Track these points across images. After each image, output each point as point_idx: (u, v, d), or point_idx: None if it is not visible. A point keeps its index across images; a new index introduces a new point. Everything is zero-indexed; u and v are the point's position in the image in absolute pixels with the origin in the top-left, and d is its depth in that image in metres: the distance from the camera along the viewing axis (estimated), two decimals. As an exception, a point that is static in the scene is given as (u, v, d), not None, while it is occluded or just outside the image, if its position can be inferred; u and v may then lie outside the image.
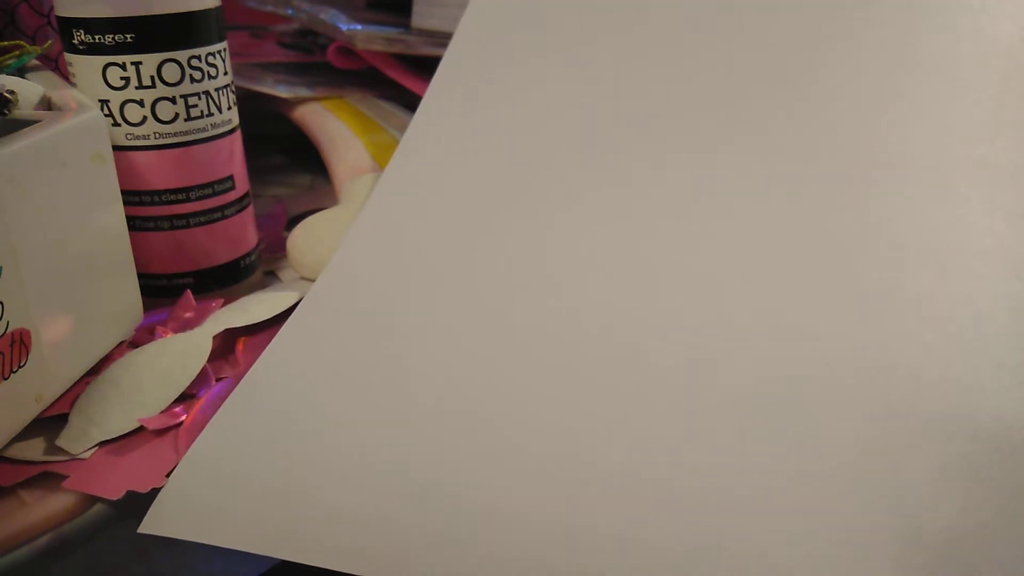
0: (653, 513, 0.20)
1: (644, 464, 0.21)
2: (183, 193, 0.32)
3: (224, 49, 0.32)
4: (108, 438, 0.25)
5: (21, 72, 0.30)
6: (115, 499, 0.22)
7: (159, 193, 0.32)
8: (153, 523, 0.22)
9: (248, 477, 0.23)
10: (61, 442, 0.24)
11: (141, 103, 0.31)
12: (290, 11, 0.47)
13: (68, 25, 0.30)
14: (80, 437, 0.25)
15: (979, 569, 0.18)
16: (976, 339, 0.22)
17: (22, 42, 0.29)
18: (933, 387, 0.22)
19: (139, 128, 0.31)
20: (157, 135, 0.31)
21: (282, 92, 0.43)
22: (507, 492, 0.21)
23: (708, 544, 0.19)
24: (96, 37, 0.30)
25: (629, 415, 0.23)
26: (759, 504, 0.20)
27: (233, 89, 0.33)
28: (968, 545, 0.18)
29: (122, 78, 0.30)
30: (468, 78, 0.36)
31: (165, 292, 0.32)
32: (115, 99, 0.30)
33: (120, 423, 0.25)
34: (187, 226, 0.32)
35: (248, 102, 0.40)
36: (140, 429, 0.25)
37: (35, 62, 0.32)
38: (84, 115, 0.25)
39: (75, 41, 0.30)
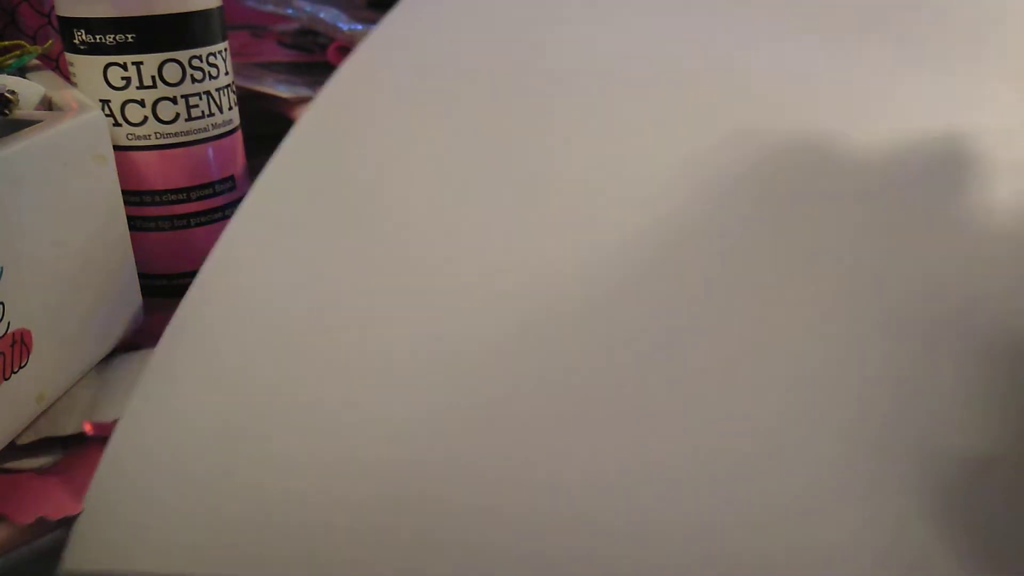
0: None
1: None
2: (184, 193, 0.32)
3: (225, 49, 0.32)
4: (61, 434, 0.24)
5: (22, 72, 0.30)
6: (24, 524, 0.19)
7: (160, 193, 0.32)
8: (74, 557, 0.19)
9: (162, 491, 0.21)
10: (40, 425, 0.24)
11: (142, 103, 0.31)
12: (290, 11, 0.47)
13: (69, 25, 0.30)
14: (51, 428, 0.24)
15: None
16: None
17: (23, 42, 0.29)
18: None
19: (140, 128, 0.31)
20: (158, 135, 0.31)
21: (283, 92, 0.43)
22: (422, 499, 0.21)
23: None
24: (97, 37, 0.30)
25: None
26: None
27: (234, 89, 0.33)
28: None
29: (123, 78, 0.30)
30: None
31: (166, 292, 0.32)
32: (116, 99, 0.30)
33: (76, 423, 0.24)
34: (188, 226, 0.32)
35: (248, 102, 0.40)
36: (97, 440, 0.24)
37: (36, 62, 0.32)
38: (85, 115, 0.25)
39: (76, 41, 0.30)
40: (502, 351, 0.23)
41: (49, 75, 0.31)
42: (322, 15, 0.46)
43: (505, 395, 0.22)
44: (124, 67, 0.30)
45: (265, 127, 0.39)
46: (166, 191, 0.32)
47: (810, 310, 0.22)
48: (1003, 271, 0.22)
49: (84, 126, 0.25)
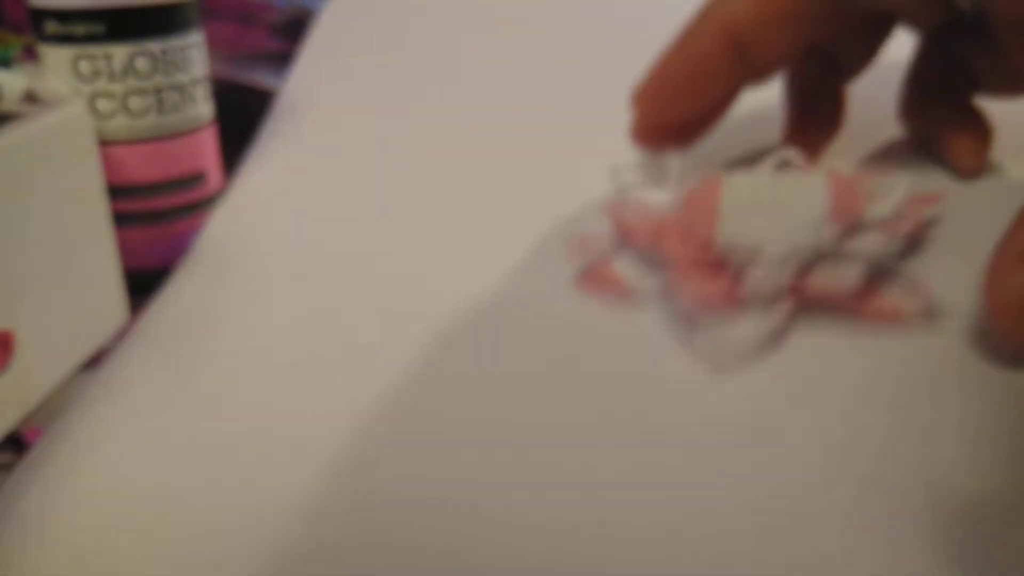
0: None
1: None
2: (156, 188, 0.31)
3: (200, 41, 0.32)
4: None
5: (5, 64, 0.29)
6: None
7: (132, 188, 0.31)
8: None
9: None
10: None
11: (113, 96, 0.30)
12: (281, 1, 0.46)
13: (39, 14, 0.29)
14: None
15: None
16: None
17: (7, 34, 0.28)
18: None
19: (111, 122, 0.30)
20: (129, 129, 0.30)
21: (270, 84, 0.43)
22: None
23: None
24: (67, 27, 0.29)
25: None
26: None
27: (209, 82, 0.33)
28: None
29: (93, 70, 0.29)
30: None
31: (139, 289, 0.32)
32: (86, 91, 0.30)
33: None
34: (160, 222, 0.32)
35: (235, 93, 0.40)
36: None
37: (19, 54, 0.31)
38: (68, 109, 0.25)
39: (46, 31, 0.29)
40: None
41: (33, 68, 0.30)
42: (312, 5, 0.45)
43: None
44: (94, 59, 0.29)
45: (251, 119, 0.39)
46: (138, 186, 0.31)
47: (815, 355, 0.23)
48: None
49: (67, 120, 0.24)
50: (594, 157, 0.29)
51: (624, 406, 0.22)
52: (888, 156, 0.29)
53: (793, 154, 0.25)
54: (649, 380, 0.22)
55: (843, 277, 0.22)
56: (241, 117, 0.38)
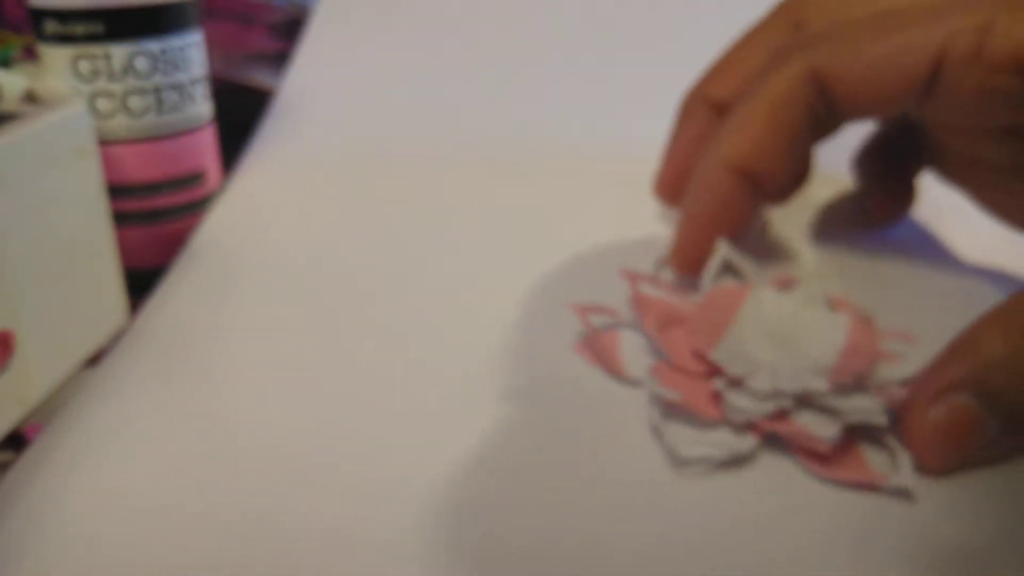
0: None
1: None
2: (156, 187, 0.31)
3: (200, 41, 0.32)
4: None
5: (5, 64, 0.29)
6: None
7: (130, 188, 0.31)
8: None
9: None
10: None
11: (112, 96, 0.30)
12: (281, 1, 0.46)
13: (39, 14, 0.29)
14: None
15: None
16: None
17: (7, 34, 0.28)
18: None
19: (110, 121, 0.30)
20: (129, 128, 0.30)
21: (269, 84, 0.43)
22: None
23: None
24: (66, 27, 0.29)
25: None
26: None
27: (208, 82, 0.33)
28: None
29: (93, 70, 0.29)
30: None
31: (138, 289, 0.32)
32: (86, 91, 0.30)
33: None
34: (159, 221, 0.32)
35: (234, 93, 0.40)
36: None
37: (19, 54, 0.31)
38: (68, 109, 0.25)
39: (45, 31, 0.29)
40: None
41: (33, 68, 0.30)
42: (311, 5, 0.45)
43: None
44: (94, 58, 0.29)
45: (250, 119, 0.39)
46: (138, 185, 0.31)
47: None
48: None
49: (67, 120, 0.24)
50: (596, 157, 0.29)
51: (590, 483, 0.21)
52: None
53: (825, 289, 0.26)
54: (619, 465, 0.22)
55: (822, 431, 0.21)
56: (240, 117, 0.38)
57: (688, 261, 0.27)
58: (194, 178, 0.32)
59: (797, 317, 0.24)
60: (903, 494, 0.20)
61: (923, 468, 0.21)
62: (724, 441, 0.22)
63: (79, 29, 0.29)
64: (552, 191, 0.23)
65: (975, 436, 0.20)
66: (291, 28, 0.44)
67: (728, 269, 0.26)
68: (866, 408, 0.21)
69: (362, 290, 0.29)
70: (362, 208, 0.33)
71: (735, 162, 0.25)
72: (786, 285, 0.26)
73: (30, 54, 0.31)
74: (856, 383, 0.22)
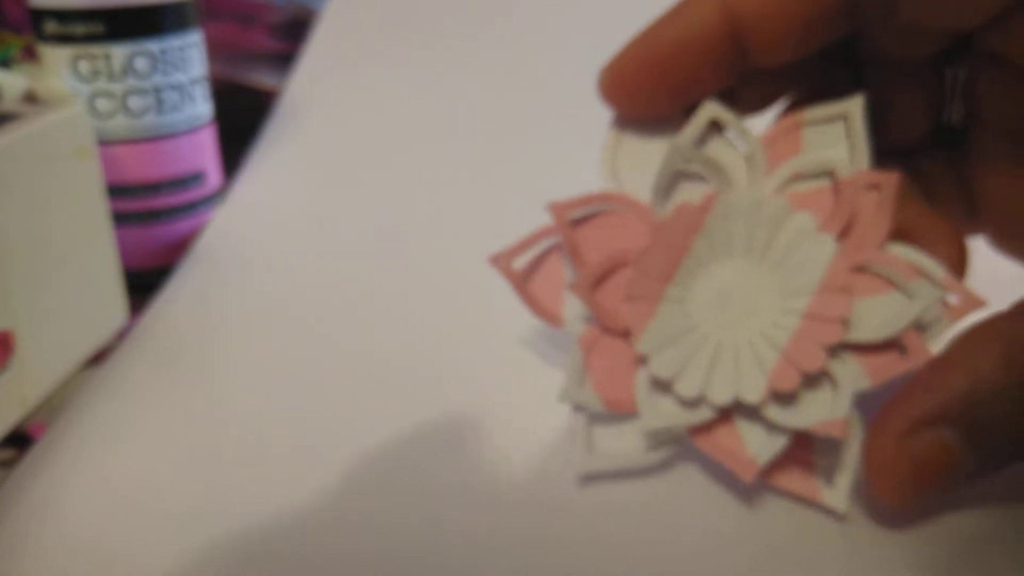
0: None
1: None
2: (155, 188, 0.31)
3: (200, 41, 0.32)
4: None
5: (5, 64, 0.29)
6: None
7: (131, 187, 0.31)
8: None
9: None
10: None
11: (112, 96, 0.30)
12: (281, 1, 0.46)
13: (38, 14, 0.29)
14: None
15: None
16: None
17: (7, 34, 0.28)
18: None
19: (110, 121, 0.30)
20: (129, 128, 0.30)
21: (270, 84, 0.43)
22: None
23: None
24: (66, 27, 0.29)
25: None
26: None
27: (208, 82, 0.33)
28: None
29: (92, 70, 0.29)
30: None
31: (138, 289, 0.32)
32: (85, 91, 0.30)
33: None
34: (159, 222, 0.32)
35: (235, 94, 0.40)
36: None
37: (19, 54, 0.31)
38: (68, 109, 0.25)
39: (45, 31, 0.29)
40: None
41: (33, 68, 0.30)
42: (312, 5, 0.45)
43: None
44: (93, 58, 0.29)
45: (251, 119, 0.39)
46: (137, 186, 0.31)
47: None
48: None
49: (67, 120, 0.24)
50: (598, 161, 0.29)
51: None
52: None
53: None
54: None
55: (755, 448, 0.19)
56: (241, 117, 0.38)
57: (621, 78, 0.21)
58: (194, 178, 0.32)
59: (774, 236, 0.20)
60: (834, 515, 0.19)
61: (879, 499, 0.19)
62: (635, 449, 0.20)
63: (79, 29, 0.29)
64: (556, 195, 0.23)
65: (951, 474, 0.18)
66: (291, 28, 0.44)
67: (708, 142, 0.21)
68: (816, 416, 0.19)
69: (364, 293, 0.29)
70: (365, 212, 0.34)
71: (735, 5, 0.20)
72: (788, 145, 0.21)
73: (30, 54, 0.31)
74: (808, 381, 0.19)
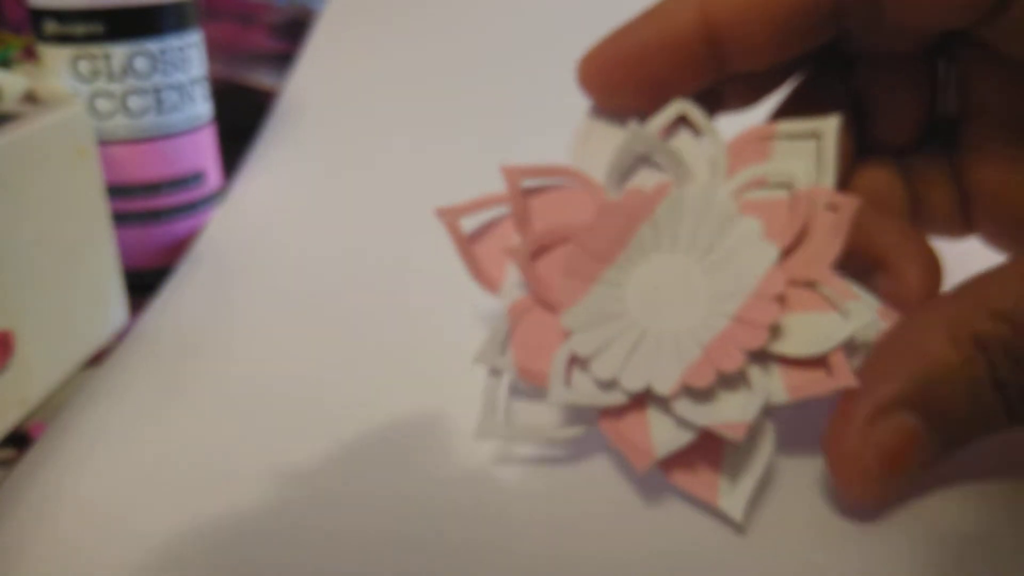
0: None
1: None
2: (155, 188, 0.31)
3: (199, 41, 0.32)
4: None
5: (5, 64, 0.29)
6: None
7: (131, 187, 0.31)
8: None
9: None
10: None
11: (112, 96, 0.30)
12: (281, 1, 0.46)
13: (39, 14, 0.29)
14: None
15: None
16: None
17: (7, 34, 0.28)
18: None
19: (110, 121, 0.30)
20: (128, 128, 0.30)
21: (269, 84, 0.43)
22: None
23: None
24: (66, 27, 0.29)
25: None
26: None
27: (207, 82, 0.33)
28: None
29: (92, 70, 0.29)
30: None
31: (138, 289, 0.32)
32: (85, 91, 0.30)
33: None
34: (159, 222, 0.32)
35: (234, 94, 0.40)
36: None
37: (19, 54, 0.31)
38: (67, 109, 0.25)
39: (45, 31, 0.29)
40: None
41: (33, 68, 0.30)
42: (312, 5, 0.45)
43: None
44: (93, 59, 0.29)
45: (251, 119, 0.39)
46: (137, 186, 0.31)
47: None
48: None
49: (66, 120, 0.24)
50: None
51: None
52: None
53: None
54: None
55: (660, 437, 0.19)
56: (241, 117, 0.38)
57: (597, 71, 0.21)
58: (194, 178, 0.32)
59: (718, 237, 0.20)
60: (731, 523, 0.19)
61: (856, 503, 0.19)
62: (548, 425, 0.20)
63: (79, 29, 0.29)
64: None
65: (916, 458, 0.18)
66: (291, 28, 0.44)
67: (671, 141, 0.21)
68: (723, 416, 0.19)
69: (364, 293, 0.29)
70: (364, 211, 0.33)
71: (712, 5, 0.20)
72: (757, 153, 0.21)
73: (30, 54, 0.31)
74: (724, 382, 0.19)
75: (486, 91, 0.39)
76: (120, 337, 0.27)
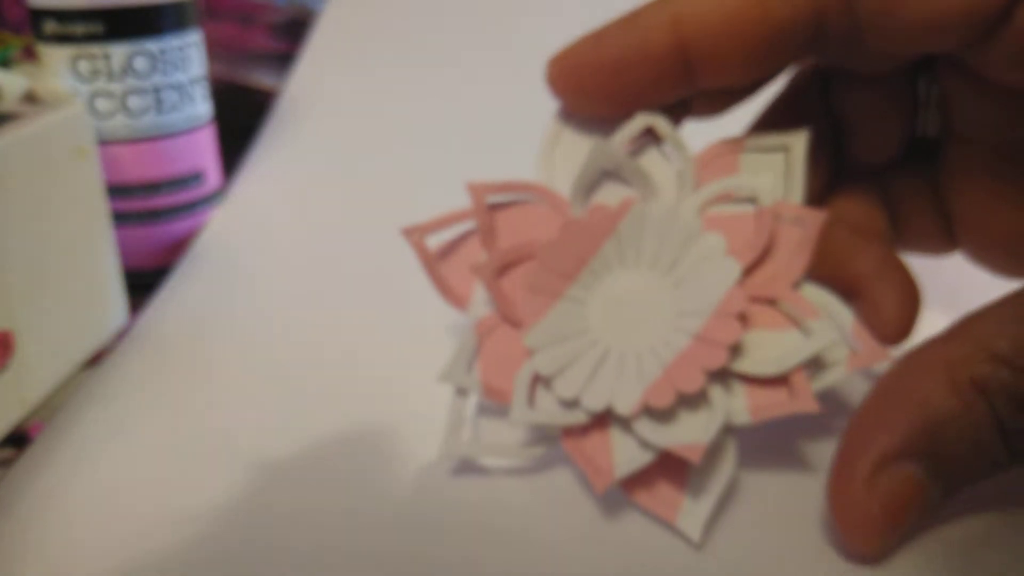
0: None
1: None
2: (155, 187, 0.31)
3: (199, 41, 0.32)
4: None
5: (5, 64, 0.29)
6: None
7: (131, 187, 0.31)
8: None
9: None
10: None
11: (112, 95, 0.30)
12: (281, 1, 0.46)
13: (39, 14, 0.29)
14: None
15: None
16: None
17: (6, 34, 0.28)
18: None
19: (110, 121, 0.30)
20: (128, 128, 0.30)
21: (269, 83, 0.43)
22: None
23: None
24: (66, 27, 0.29)
25: None
26: None
27: (207, 82, 0.33)
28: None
29: (92, 70, 0.29)
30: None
31: (137, 289, 0.32)
32: (85, 91, 0.30)
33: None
34: (158, 221, 0.32)
35: (234, 93, 0.40)
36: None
37: (19, 54, 0.31)
38: (67, 109, 0.25)
39: (45, 31, 0.29)
40: None
41: (33, 68, 0.30)
42: (312, 5, 0.45)
43: None
44: (93, 58, 0.29)
45: (250, 119, 0.39)
46: (137, 185, 0.31)
47: None
48: None
49: (66, 120, 0.24)
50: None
51: None
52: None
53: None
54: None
55: (621, 456, 0.19)
56: (241, 117, 0.38)
57: (566, 73, 0.21)
58: (193, 178, 0.32)
59: (682, 253, 0.20)
60: (688, 541, 0.19)
61: (859, 552, 0.18)
62: (513, 443, 0.20)
63: (79, 29, 0.29)
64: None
65: (920, 507, 0.18)
66: (291, 28, 0.44)
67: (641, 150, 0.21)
68: (684, 437, 0.19)
69: (364, 293, 0.29)
70: (364, 211, 0.33)
71: (685, 25, 0.19)
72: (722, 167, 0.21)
73: (30, 54, 0.31)
74: (685, 402, 0.19)
75: (486, 91, 0.39)
76: (120, 337, 0.27)
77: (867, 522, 0.18)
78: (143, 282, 0.31)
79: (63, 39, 0.29)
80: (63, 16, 0.29)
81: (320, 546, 0.19)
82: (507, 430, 0.21)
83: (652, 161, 0.21)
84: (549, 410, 0.20)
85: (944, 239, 0.23)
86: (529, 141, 0.23)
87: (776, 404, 0.19)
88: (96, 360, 0.27)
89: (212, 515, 0.20)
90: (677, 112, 0.21)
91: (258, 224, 0.33)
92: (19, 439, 0.24)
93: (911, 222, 0.24)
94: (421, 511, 0.20)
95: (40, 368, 0.24)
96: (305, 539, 0.19)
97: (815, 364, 0.19)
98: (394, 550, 0.19)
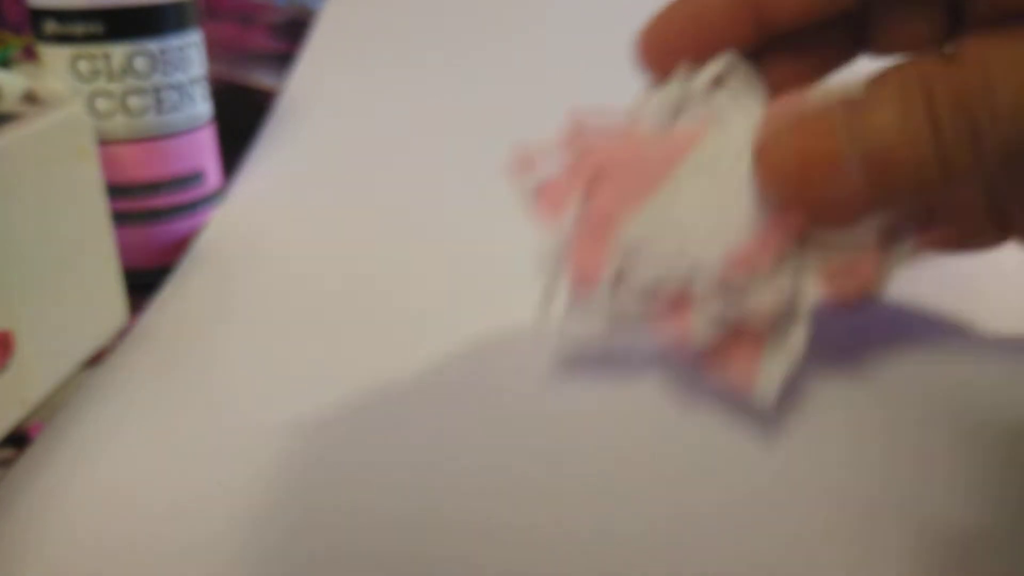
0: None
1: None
2: (155, 187, 0.31)
3: (199, 41, 0.32)
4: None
5: (5, 64, 0.29)
6: None
7: (131, 187, 0.31)
8: None
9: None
10: None
11: (112, 95, 0.30)
12: (281, 1, 0.46)
13: (38, 14, 0.29)
14: None
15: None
16: None
17: (6, 34, 0.28)
18: None
19: (110, 121, 0.30)
20: (128, 128, 0.30)
21: (269, 84, 0.43)
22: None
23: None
24: (66, 27, 0.29)
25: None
26: None
27: (207, 81, 0.33)
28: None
29: (92, 70, 0.29)
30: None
31: (136, 289, 0.32)
32: (85, 91, 0.30)
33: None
34: (158, 222, 0.32)
35: (234, 94, 0.40)
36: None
37: (19, 54, 0.31)
38: (67, 109, 0.25)
39: (45, 31, 0.29)
40: None
41: (33, 68, 0.30)
42: (312, 5, 0.45)
43: None
44: (93, 58, 0.29)
45: (250, 119, 0.39)
46: (137, 186, 0.31)
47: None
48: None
49: (67, 121, 0.24)
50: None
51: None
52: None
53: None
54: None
55: (698, 328, 0.20)
56: (241, 117, 0.38)
57: (657, 40, 0.22)
58: (193, 178, 0.32)
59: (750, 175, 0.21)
60: (759, 411, 0.20)
61: (770, 192, 0.19)
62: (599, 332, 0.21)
63: (78, 29, 0.29)
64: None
65: (835, 185, 0.18)
66: (291, 28, 0.44)
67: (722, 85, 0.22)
68: (759, 302, 0.20)
69: (363, 293, 0.29)
70: (364, 211, 0.34)
71: None
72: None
73: (30, 54, 0.31)
74: (754, 276, 0.20)
75: (486, 90, 0.39)
76: (120, 337, 0.27)
77: (780, 163, 0.19)
78: (143, 282, 0.31)
79: (63, 39, 0.29)
80: (63, 16, 0.29)
81: (320, 546, 0.19)
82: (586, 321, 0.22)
83: (728, 102, 0.22)
84: (630, 301, 0.21)
85: (998, 229, 0.23)
86: (531, 136, 0.23)
87: (847, 283, 0.20)
88: (96, 360, 0.27)
89: (212, 515, 0.20)
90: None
91: (258, 224, 0.33)
92: (19, 439, 0.24)
93: (966, 232, 0.24)
94: (425, 511, 0.20)
95: (40, 368, 0.24)
96: (305, 539, 0.19)
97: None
98: (394, 550, 0.19)
